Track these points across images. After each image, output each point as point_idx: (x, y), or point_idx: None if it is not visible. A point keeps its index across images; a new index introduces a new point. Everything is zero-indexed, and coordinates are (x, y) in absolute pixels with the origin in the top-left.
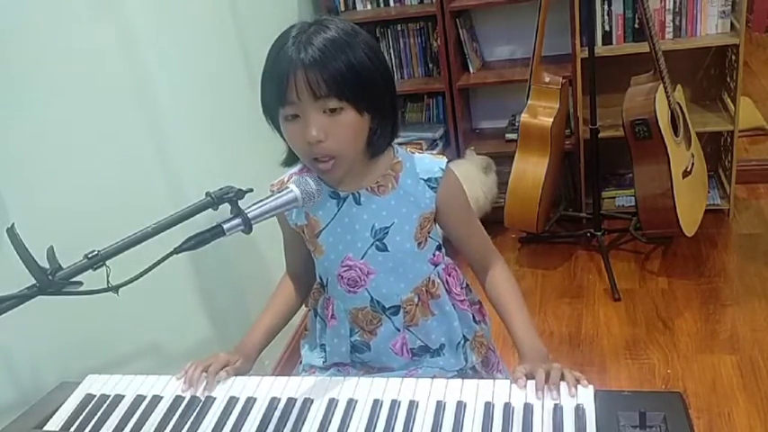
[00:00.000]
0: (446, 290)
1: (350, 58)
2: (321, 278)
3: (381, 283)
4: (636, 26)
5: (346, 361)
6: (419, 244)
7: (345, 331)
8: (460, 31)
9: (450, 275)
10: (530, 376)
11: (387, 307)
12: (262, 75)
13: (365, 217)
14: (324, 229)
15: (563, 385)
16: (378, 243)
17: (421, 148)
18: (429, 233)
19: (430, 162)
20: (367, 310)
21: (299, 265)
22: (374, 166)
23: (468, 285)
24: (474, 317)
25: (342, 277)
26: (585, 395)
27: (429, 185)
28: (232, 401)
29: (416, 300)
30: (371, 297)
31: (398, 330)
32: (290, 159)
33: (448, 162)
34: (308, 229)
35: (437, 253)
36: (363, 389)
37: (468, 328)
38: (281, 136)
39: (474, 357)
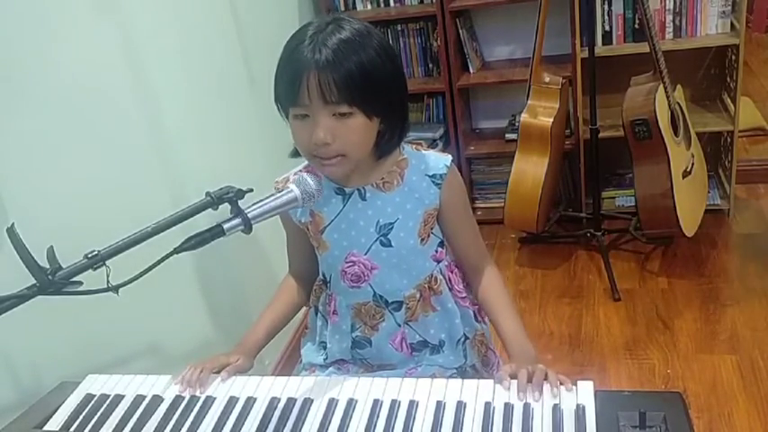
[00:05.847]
0: (448, 286)
1: (361, 59)
2: (324, 274)
3: (384, 279)
4: (636, 26)
5: (347, 357)
6: (422, 240)
7: (347, 327)
8: (460, 31)
9: (452, 272)
10: (513, 376)
11: (389, 302)
12: (277, 67)
13: (370, 213)
14: (328, 225)
15: (546, 385)
16: (382, 239)
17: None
18: (432, 229)
19: (436, 159)
20: (370, 304)
21: (303, 263)
22: (381, 164)
23: (468, 284)
24: (475, 315)
25: (345, 272)
26: (586, 395)
27: (434, 182)
28: (232, 401)
29: (418, 296)
30: (374, 292)
31: (399, 326)
32: (297, 151)
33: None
34: (312, 225)
35: (439, 249)
36: (363, 389)
37: (469, 326)
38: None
39: (474, 356)
